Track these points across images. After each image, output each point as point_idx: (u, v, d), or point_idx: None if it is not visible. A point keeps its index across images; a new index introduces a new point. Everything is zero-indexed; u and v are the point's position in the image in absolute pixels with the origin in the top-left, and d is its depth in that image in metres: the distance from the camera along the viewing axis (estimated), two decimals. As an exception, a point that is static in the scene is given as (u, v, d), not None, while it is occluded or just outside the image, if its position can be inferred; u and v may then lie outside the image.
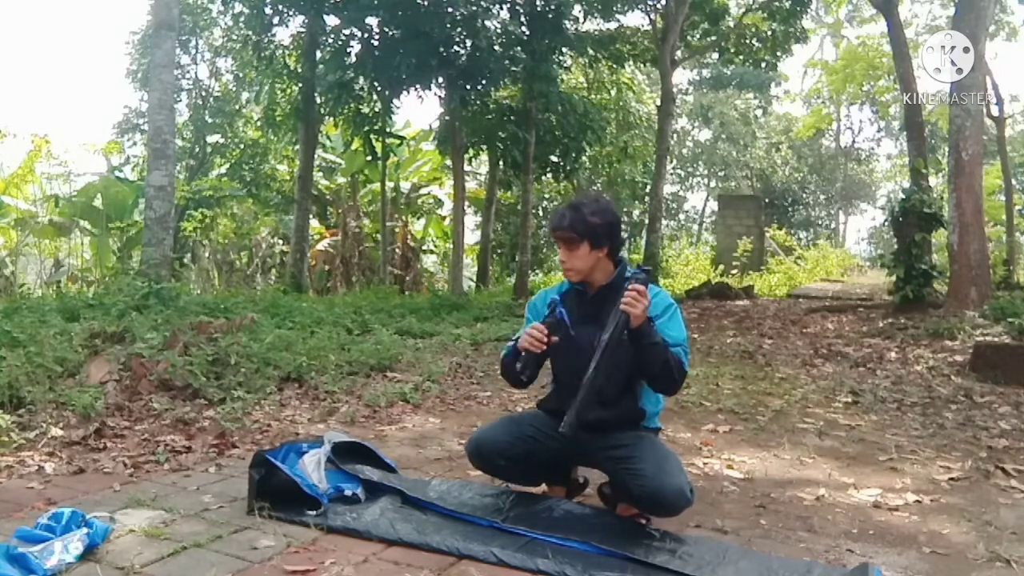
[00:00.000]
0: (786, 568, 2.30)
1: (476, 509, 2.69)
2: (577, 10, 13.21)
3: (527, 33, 12.27)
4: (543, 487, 2.95)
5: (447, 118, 13.43)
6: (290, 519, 2.55)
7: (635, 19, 24.75)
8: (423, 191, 19.55)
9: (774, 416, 4.52)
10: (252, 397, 4.37)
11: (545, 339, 2.59)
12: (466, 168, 15.30)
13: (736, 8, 15.86)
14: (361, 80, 12.77)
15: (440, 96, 13.16)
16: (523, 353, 2.63)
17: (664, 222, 18.99)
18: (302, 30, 13.32)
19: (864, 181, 31.43)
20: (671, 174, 26.35)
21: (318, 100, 13.37)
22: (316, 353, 5.28)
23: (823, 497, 3.06)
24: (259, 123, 16.37)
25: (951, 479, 3.35)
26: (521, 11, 12.40)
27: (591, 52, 14.51)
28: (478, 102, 12.75)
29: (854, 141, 31.61)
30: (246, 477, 2.69)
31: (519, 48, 12.27)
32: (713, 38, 15.49)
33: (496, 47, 11.87)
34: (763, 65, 16.22)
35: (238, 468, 3.14)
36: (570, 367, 2.64)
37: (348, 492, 2.73)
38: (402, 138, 16.10)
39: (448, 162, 15.43)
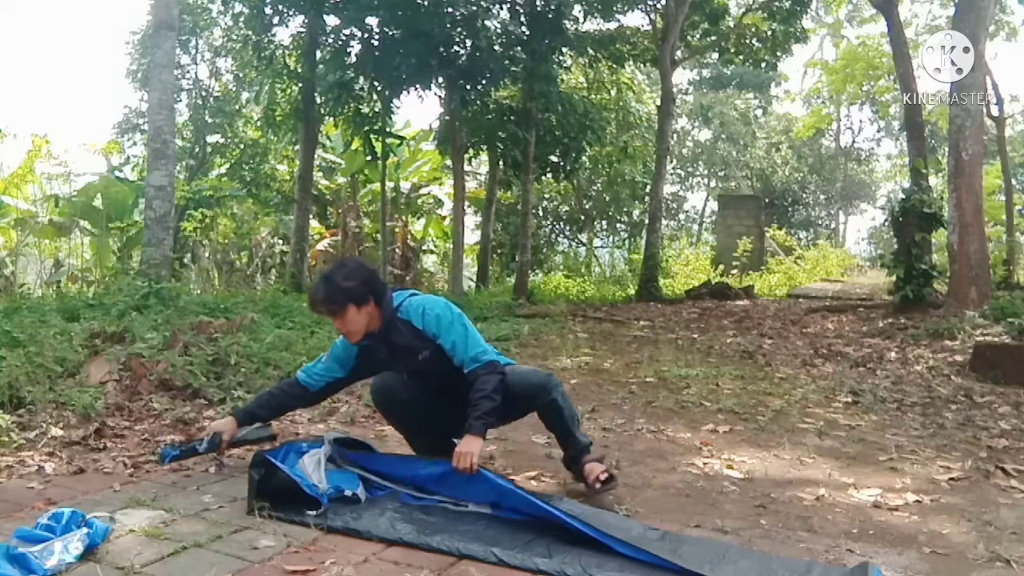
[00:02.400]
0: (786, 568, 2.30)
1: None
2: (577, 10, 13.21)
3: (527, 33, 12.27)
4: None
5: (447, 118, 13.43)
6: (290, 519, 2.55)
7: (635, 19, 24.76)
8: (423, 191, 19.55)
9: (774, 416, 4.52)
10: (252, 397, 4.36)
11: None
12: (466, 168, 15.30)
13: (736, 8, 15.86)
14: (361, 80, 12.76)
15: (440, 96, 13.17)
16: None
17: (664, 222, 18.98)
18: (302, 30, 13.32)
19: (864, 181, 31.43)
20: (671, 174, 26.34)
21: (318, 100, 13.36)
22: (316, 353, 5.26)
23: (823, 497, 3.06)
24: (259, 123, 16.36)
25: (951, 479, 3.35)
26: (521, 11, 12.39)
27: (591, 52, 14.52)
28: (478, 102, 12.75)
29: (854, 141, 31.62)
30: (246, 477, 2.69)
31: (519, 48, 12.27)
32: (713, 38, 15.48)
33: (496, 47, 11.88)
34: (763, 65, 16.21)
35: (238, 468, 3.14)
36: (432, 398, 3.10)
37: (348, 492, 2.73)
38: (402, 138, 16.10)
39: (448, 162, 15.44)
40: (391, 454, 3.18)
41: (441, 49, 11.65)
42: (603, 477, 2.95)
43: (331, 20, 12.93)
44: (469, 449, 2.76)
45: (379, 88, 12.74)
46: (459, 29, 11.71)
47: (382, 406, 3.17)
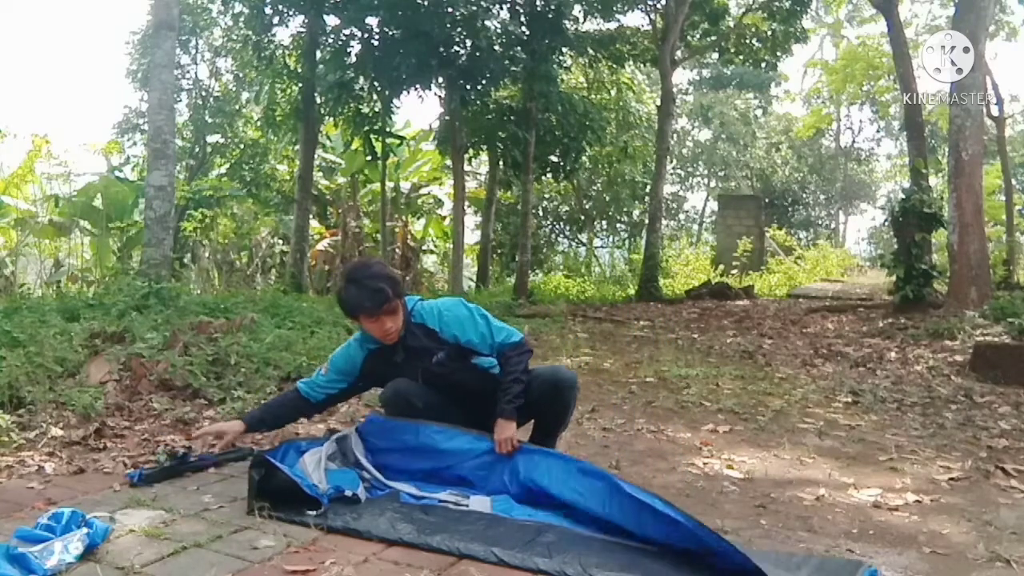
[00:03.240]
0: (778, 560, 2.30)
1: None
2: (577, 10, 13.21)
3: (527, 33, 12.27)
4: None
5: (447, 118, 13.43)
6: (290, 519, 2.55)
7: (635, 19, 24.77)
8: (423, 191, 19.55)
9: (774, 416, 4.52)
10: (252, 397, 4.36)
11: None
12: (466, 168, 15.30)
13: (736, 8, 15.86)
14: (361, 80, 12.77)
15: (440, 96, 13.17)
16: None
17: (664, 222, 18.98)
18: (302, 30, 13.32)
19: (864, 181, 31.42)
20: (671, 174, 26.34)
21: (318, 100, 13.36)
22: (316, 353, 5.27)
23: (823, 497, 3.06)
24: (259, 123, 16.36)
25: (951, 479, 3.35)
26: (521, 11, 12.39)
27: (591, 52, 14.52)
28: (478, 102, 12.75)
29: (854, 141, 31.62)
30: (246, 477, 2.69)
31: (519, 48, 12.27)
32: (713, 38, 15.48)
33: (496, 47, 11.88)
34: (763, 65, 16.22)
35: (238, 468, 3.14)
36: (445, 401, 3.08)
37: (348, 492, 2.73)
38: (402, 138, 16.10)
39: (448, 162, 15.44)
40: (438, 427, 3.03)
41: (441, 49, 11.65)
42: None
43: (331, 20, 12.94)
44: (506, 434, 2.84)
45: (379, 88, 12.75)
46: (459, 29, 11.71)
47: (394, 412, 3.09)
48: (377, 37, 12.15)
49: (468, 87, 12.29)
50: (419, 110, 78.58)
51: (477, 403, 3.02)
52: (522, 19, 12.37)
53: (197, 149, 16.99)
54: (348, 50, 12.61)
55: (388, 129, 14.10)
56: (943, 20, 20.71)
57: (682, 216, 30.11)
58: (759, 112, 29.32)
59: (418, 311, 3.05)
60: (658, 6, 14.45)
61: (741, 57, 15.94)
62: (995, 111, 15.09)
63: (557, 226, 22.89)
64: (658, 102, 15.20)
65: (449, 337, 3.00)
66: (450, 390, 3.06)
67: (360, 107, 13.27)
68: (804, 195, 29.59)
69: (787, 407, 4.79)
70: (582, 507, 2.61)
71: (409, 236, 18.67)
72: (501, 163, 14.36)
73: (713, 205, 26.77)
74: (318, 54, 13.29)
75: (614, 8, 14.01)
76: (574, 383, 3.07)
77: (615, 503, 2.53)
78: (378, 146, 13.55)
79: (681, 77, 26.71)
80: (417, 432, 2.96)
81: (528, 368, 2.97)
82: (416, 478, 2.94)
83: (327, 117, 14.32)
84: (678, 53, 14.83)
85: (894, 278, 9.71)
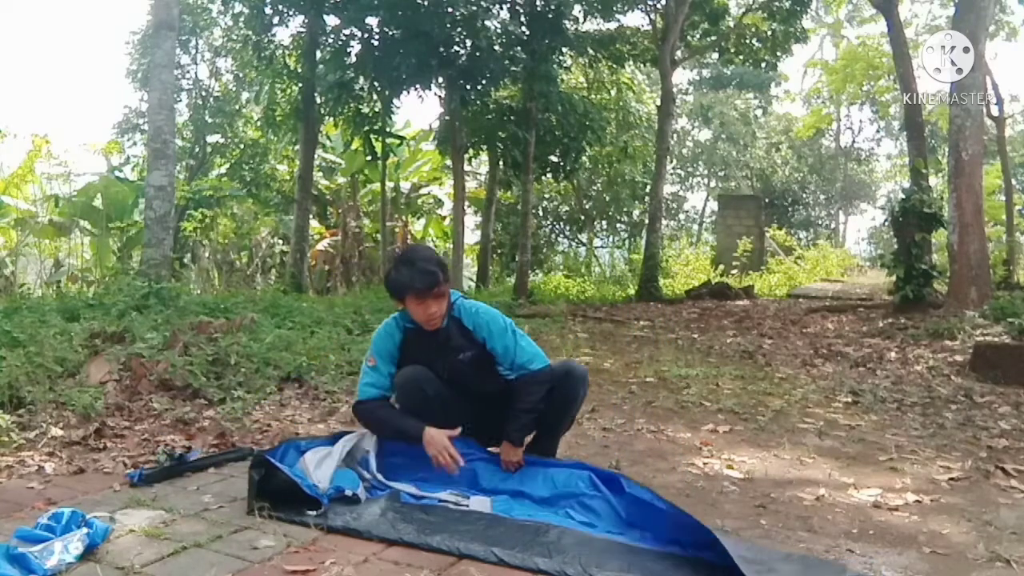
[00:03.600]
0: (779, 557, 2.31)
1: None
2: (577, 10, 13.21)
3: (527, 33, 12.27)
4: None
5: (447, 118, 13.44)
6: (290, 519, 2.55)
7: (635, 19, 24.79)
8: (423, 191, 19.56)
9: (774, 416, 4.52)
10: (252, 397, 4.37)
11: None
12: (466, 168, 15.30)
13: (736, 8, 15.86)
14: (361, 80, 12.77)
15: (440, 96, 13.17)
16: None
17: (664, 222, 18.98)
18: (302, 30, 13.32)
19: (864, 181, 31.42)
20: (671, 174, 26.34)
21: (318, 100, 13.36)
22: (316, 353, 5.28)
23: (823, 497, 3.06)
24: (259, 123, 16.37)
25: (951, 479, 3.35)
26: (521, 11, 12.40)
27: (591, 52, 14.52)
28: (478, 102, 12.75)
29: (854, 141, 31.62)
30: (246, 477, 2.69)
31: (519, 48, 12.27)
32: (713, 38, 15.48)
33: (496, 47, 11.88)
34: (763, 65, 16.21)
35: (238, 468, 3.14)
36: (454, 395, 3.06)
37: (348, 492, 2.73)
38: (402, 138, 16.10)
39: (448, 162, 15.44)
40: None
41: (441, 49, 11.65)
42: None
43: (331, 20, 12.94)
44: (513, 458, 2.94)
45: (379, 88, 12.75)
46: (459, 29, 11.71)
47: (404, 397, 3.07)
48: (377, 37, 12.15)
49: (468, 87, 12.29)
50: (419, 110, 78.58)
51: (488, 407, 3.04)
52: (522, 19, 12.38)
53: (197, 149, 16.99)
54: (348, 50, 12.61)
55: (388, 129, 14.10)
56: (943, 20, 20.71)
57: (682, 216, 30.12)
58: (759, 112, 29.31)
59: (458, 306, 3.07)
60: (658, 6, 14.44)
61: (741, 57, 15.94)
62: (995, 111, 15.08)
63: (557, 226, 22.89)
64: (658, 102, 15.19)
65: (479, 338, 3.02)
66: (467, 388, 3.07)
67: (360, 107, 13.27)
68: (804, 195, 29.59)
69: (787, 407, 4.79)
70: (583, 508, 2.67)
71: (409, 236, 18.67)
72: (501, 163, 14.36)
73: (713, 205, 26.79)
74: (318, 54, 13.29)
75: (614, 8, 14.00)
76: (584, 376, 3.08)
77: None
78: (378, 146, 13.55)
79: (681, 77, 26.74)
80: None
81: (543, 399, 2.97)
82: (418, 480, 2.94)
83: (327, 117, 14.32)
84: (678, 53, 14.83)
85: (894, 278, 9.71)
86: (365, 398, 3.05)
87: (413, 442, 2.90)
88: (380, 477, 2.92)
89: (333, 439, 3.06)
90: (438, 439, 2.85)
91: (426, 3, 11.31)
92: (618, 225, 23.40)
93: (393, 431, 3.00)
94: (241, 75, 17.04)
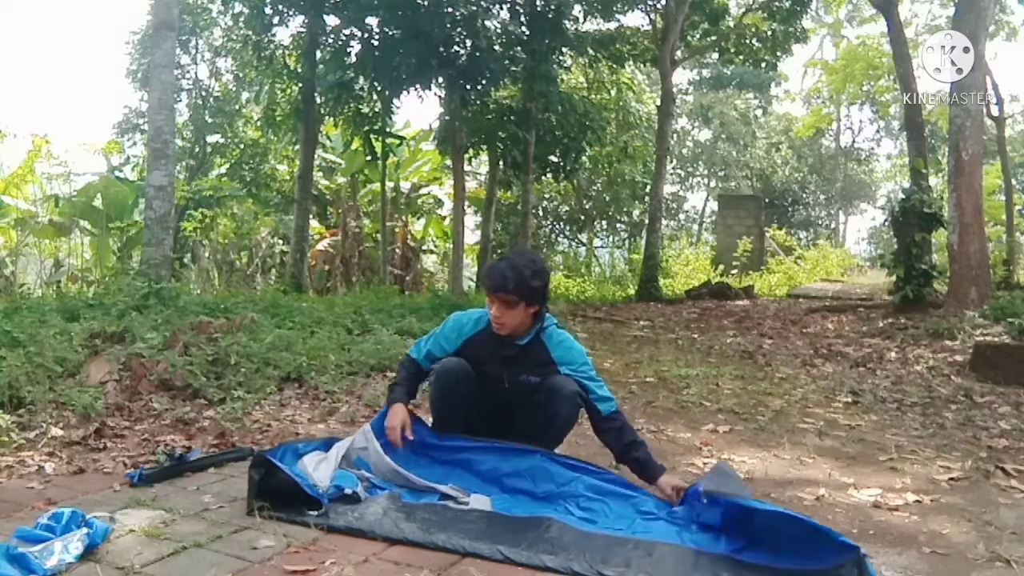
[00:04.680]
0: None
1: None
2: (577, 10, 13.21)
3: (527, 33, 12.27)
4: None
5: (447, 118, 13.43)
6: (291, 519, 2.55)
7: (635, 19, 24.75)
8: (423, 191, 19.55)
9: (774, 416, 4.52)
10: (252, 397, 4.37)
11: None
12: (466, 168, 15.29)
13: (736, 8, 15.86)
14: (361, 80, 12.76)
15: (440, 96, 13.16)
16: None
17: (664, 222, 18.98)
18: (302, 30, 13.31)
19: (864, 181, 31.42)
20: (671, 174, 26.34)
21: (318, 100, 13.36)
22: (316, 353, 5.28)
23: (823, 497, 3.06)
24: (259, 123, 16.36)
25: (951, 479, 3.35)
26: (521, 11, 12.39)
27: (591, 52, 14.51)
28: (478, 102, 12.75)
29: (854, 141, 31.63)
30: (246, 477, 2.69)
31: (519, 48, 12.27)
32: (713, 38, 15.48)
33: (496, 47, 11.87)
34: (763, 65, 16.22)
35: (238, 468, 3.14)
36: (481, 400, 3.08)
37: (348, 490, 2.73)
38: (402, 138, 16.10)
39: (448, 162, 15.43)
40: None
41: (441, 49, 11.65)
42: None
43: (331, 20, 12.93)
44: (674, 483, 2.86)
45: (379, 88, 12.74)
46: (459, 29, 11.70)
47: (437, 384, 3.10)
48: (377, 37, 12.15)
49: (468, 87, 12.28)
50: (419, 110, 78.62)
51: (506, 427, 3.05)
52: (522, 19, 12.37)
53: (197, 149, 16.98)
54: (348, 50, 12.61)
55: (388, 129, 14.09)
56: (943, 20, 20.71)
57: (682, 216, 30.12)
58: (759, 112, 29.31)
59: (549, 332, 3.08)
60: (658, 6, 14.45)
61: (741, 57, 15.95)
62: (995, 111, 15.09)
63: (557, 226, 22.89)
64: (658, 102, 15.20)
65: (560, 364, 3.02)
66: (506, 408, 3.07)
67: (360, 107, 13.27)
68: (804, 195, 29.59)
69: (787, 407, 4.79)
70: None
71: (409, 236, 18.67)
72: (501, 163, 14.35)
73: (713, 205, 26.79)
74: (318, 54, 13.29)
75: (614, 8, 14.01)
76: (573, 396, 3.00)
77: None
78: (378, 146, 13.55)
79: (681, 77, 26.74)
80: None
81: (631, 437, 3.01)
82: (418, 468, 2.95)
83: (327, 117, 14.32)
84: (678, 53, 14.83)
85: (894, 278, 9.72)
86: (410, 353, 3.22)
87: (386, 404, 3.08)
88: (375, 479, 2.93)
89: (327, 443, 3.07)
90: (399, 416, 2.95)
91: (426, 3, 11.31)
92: (618, 225, 23.41)
93: (391, 387, 3.16)
94: (241, 75, 17.04)
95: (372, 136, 13.43)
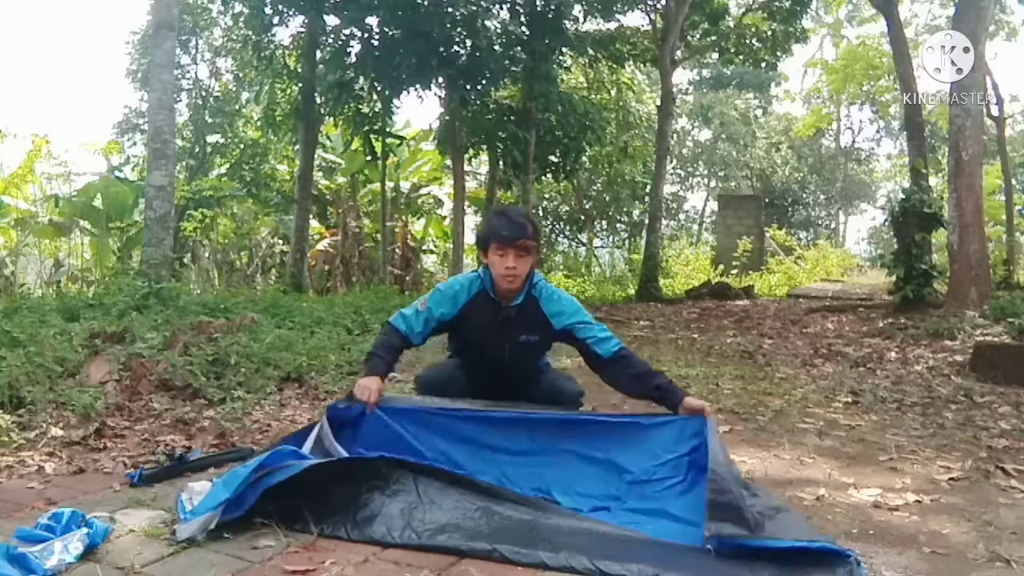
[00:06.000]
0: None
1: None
2: (577, 10, 13.22)
3: (527, 33, 12.27)
4: None
5: (447, 118, 13.44)
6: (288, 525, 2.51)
7: (635, 19, 24.76)
8: (423, 191, 19.55)
9: (774, 416, 4.52)
10: (252, 397, 4.37)
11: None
12: (466, 168, 15.30)
13: (736, 8, 15.87)
14: (361, 80, 12.77)
15: (440, 96, 13.18)
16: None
17: (664, 222, 19.02)
18: (302, 30, 13.32)
19: (864, 181, 31.44)
20: (671, 174, 26.37)
21: (318, 100, 13.37)
22: (316, 353, 5.28)
23: (823, 497, 3.05)
24: (259, 123, 16.37)
25: (951, 479, 3.35)
26: (521, 11, 12.40)
27: (591, 52, 14.53)
28: (478, 102, 12.76)
29: (854, 141, 31.66)
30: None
31: (519, 48, 12.28)
32: (713, 38, 15.49)
33: (496, 47, 11.88)
34: (763, 65, 16.23)
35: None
36: (477, 366, 3.09)
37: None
38: (402, 138, 16.10)
39: (448, 162, 15.44)
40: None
41: (441, 49, 11.66)
42: None
43: (331, 20, 12.94)
44: (696, 404, 2.80)
45: (379, 88, 12.75)
46: (459, 29, 11.71)
47: (423, 393, 3.12)
48: (377, 37, 12.16)
49: (468, 87, 12.29)
50: (419, 110, 78.60)
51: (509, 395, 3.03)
52: (522, 19, 12.38)
53: (197, 149, 16.98)
54: (348, 50, 12.62)
55: (388, 129, 14.10)
56: (943, 20, 20.72)
57: (682, 216, 30.16)
58: (759, 112, 29.33)
59: (540, 287, 3.04)
60: (658, 6, 14.45)
61: (741, 57, 15.96)
62: (995, 111, 15.08)
63: (557, 226, 22.89)
64: (658, 102, 15.20)
65: (550, 316, 2.98)
66: (507, 376, 3.06)
67: (360, 107, 13.28)
68: (804, 195, 29.61)
69: (787, 407, 4.79)
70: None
71: (409, 236, 18.67)
72: (501, 163, 14.36)
73: (713, 205, 26.80)
74: (318, 54, 13.29)
75: (614, 8, 14.01)
76: (576, 397, 3.04)
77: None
78: (378, 146, 13.56)
79: (681, 77, 26.76)
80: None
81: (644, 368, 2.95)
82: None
83: (327, 117, 14.32)
84: (678, 53, 14.84)
85: (894, 278, 9.72)
86: (391, 322, 3.08)
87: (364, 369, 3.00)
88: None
89: (302, 434, 2.94)
90: (371, 385, 2.88)
91: (426, 3, 11.32)
92: (618, 225, 23.42)
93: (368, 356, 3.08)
94: (241, 75, 17.04)
95: (372, 136, 13.43)
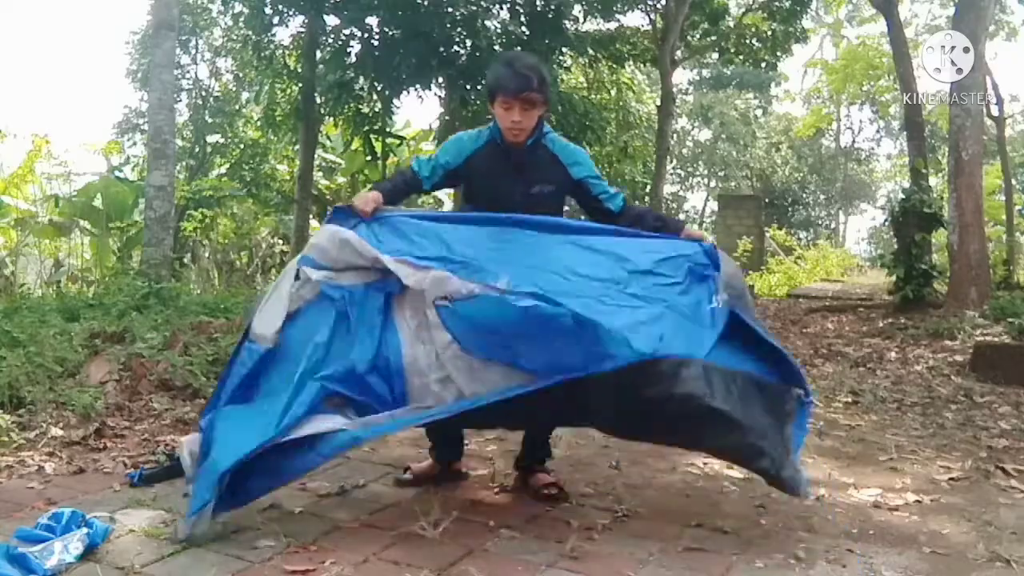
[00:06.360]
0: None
1: None
2: (577, 10, 13.20)
3: (527, 33, 12.26)
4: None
5: (447, 118, 13.43)
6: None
7: (635, 19, 24.71)
8: (423, 191, 19.53)
9: (774, 416, 4.51)
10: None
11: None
12: (466, 168, 15.29)
13: (736, 8, 15.86)
14: (361, 80, 12.76)
15: (440, 96, 13.16)
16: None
17: (664, 222, 18.96)
18: (302, 30, 13.31)
19: (864, 181, 31.43)
20: (671, 174, 26.36)
21: (318, 100, 13.36)
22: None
23: (823, 497, 3.06)
24: (259, 123, 16.36)
25: (951, 479, 3.35)
26: (521, 11, 12.39)
27: (591, 52, 14.50)
28: (478, 102, 12.74)
29: (854, 141, 31.65)
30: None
31: (519, 48, 12.26)
32: (713, 38, 15.49)
33: (496, 47, 11.87)
34: (763, 65, 16.22)
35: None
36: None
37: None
38: (402, 138, 16.09)
39: (448, 162, 15.42)
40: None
41: (441, 49, 11.65)
42: (553, 491, 2.92)
43: (331, 20, 12.92)
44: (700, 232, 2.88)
45: (379, 88, 12.74)
46: (459, 29, 11.70)
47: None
48: (377, 37, 12.15)
49: (468, 87, 12.28)
50: (419, 110, 78.61)
51: None
52: (522, 19, 12.37)
53: (197, 149, 16.98)
54: (348, 50, 12.61)
55: (388, 129, 14.09)
56: (943, 20, 20.71)
57: (682, 216, 30.11)
58: (759, 112, 29.33)
59: (550, 137, 2.95)
60: (658, 6, 14.44)
61: (741, 57, 15.95)
62: (995, 111, 15.06)
63: (557, 226, 22.86)
64: (658, 102, 15.20)
65: (566, 169, 2.89)
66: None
67: (360, 107, 13.27)
68: (804, 195, 29.60)
69: (787, 407, 4.78)
70: None
71: (409, 236, 18.64)
72: (501, 163, 14.35)
73: (713, 205, 26.80)
74: (318, 54, 13.28)
75: (614, 8, 14.00)
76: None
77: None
78: (378, 146, 13.55)
79: (681, 77, 26.73)
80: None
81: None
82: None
83: (327, 117, 14.31)
84: (678, 53, 14.84)
85: (894, 278, 9.71)
86: (412, 164, 3.00)
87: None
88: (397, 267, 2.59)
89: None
90: (370, 196, 2.81)
91: (426, 3, 11.31)
92: (618, 225, 23.38)
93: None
94: (241, 75, 17.04)
95: (372, 136, 13.42)
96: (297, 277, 2.63)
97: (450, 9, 11.27)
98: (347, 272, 2.61)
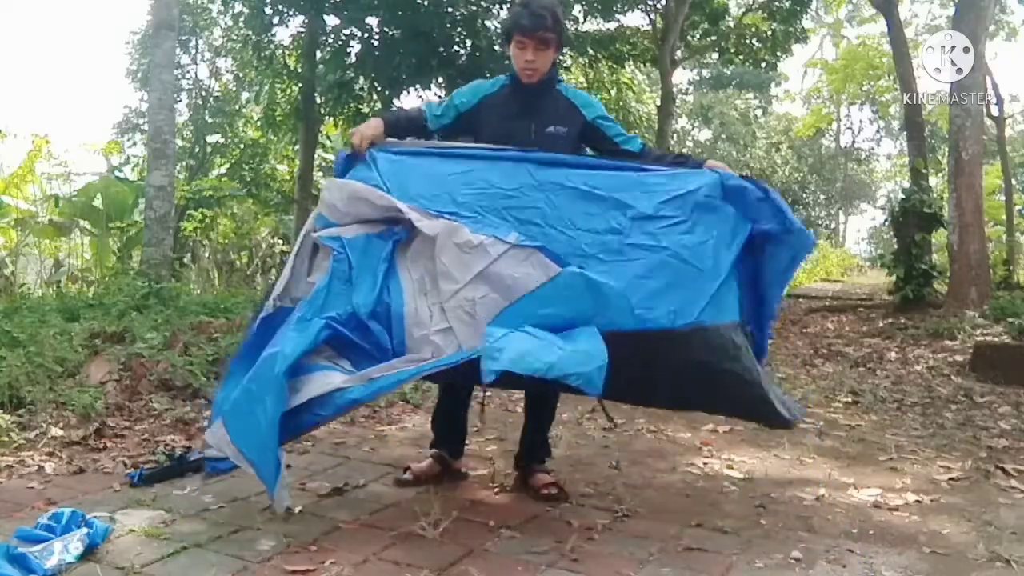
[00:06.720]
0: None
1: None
2: (577, 10, 13.20)
3: (527, 33, 12.26)
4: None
5: (447, 118, 13.44)
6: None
7: (635, 19, 24.73)
8: (423, 191, 19.52)
9: (774, 416, 4.51)
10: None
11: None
12: (466, 168, 15.28)
13: (736, 8, 15.86)
14: (361, 80, 12.77)
15: (440, 96, 13.16)
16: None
17: (664, 222, 18.94)
18: (302, 30, 13.31)
19: (864, 181, 31.45)
20: (671, 174, 26.28)
21: (318, 100, 13.37)
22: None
23: (823, 497, 3.06)
24: (259, 123, 16.37)
25: (951, 479, 3.35)
26: (521, 11, 12.39)
27: (591, 52, 14.51)
28: (478, 102, 12.76)
29: (854, 141, 31.66)
30: (246, 477, 2.68)
31: (519, 48, 12.28)
32: (713, 38, 15.48)
33: (496, 47, 11.87)
34: (763, 65, 16.20)
35: (238, 468, 3.14)
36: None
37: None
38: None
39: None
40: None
41: (441, 49, 11.65)
42: (553, 491, 2.93)
43: (331, 20, 12.93)
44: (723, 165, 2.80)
45: (379, 88, 12.74)
46: (459, 29, 11.71)
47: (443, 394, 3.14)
48: (377, 37, 12.15)
49: (468, 87, 12.30)
50: (419, 110, 78.38)
51: None
52: (522, 19, 12.37)
53: (197, 149, 16.99)
54: (348, 50, 12.61)
55: (388, 129, 14.07)
56: (943, 20, 20.72)
57: (682, 216, 30.10)
58: (759, 112, 29.32)
59: (565, 85, 3.01)
60: (658, 6, 14.44)
61: (741, 57, 15.92)
62: (995, 111, 15.06)
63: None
64: (658, 102, 15.19)
65: (580, 112, 2.90)
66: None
67: (360, 107, 13.27)
68: (804, 195, 29.61)
69: (787, 407, 4.78)
70: None
71: (409, 236, 18.64)
72: (501, 163, 14.34)
73: (713, 205, 26.74)
74: (318, 54, 13.29)
75: (614, 8, 13.99)
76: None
77: None
78: (378, 146, 13.54)
79: (681, 77, 26.71)
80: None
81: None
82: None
83: (327, 117, 14.32)
84: (678, 53, 14.82)
85: (894, 278, 9.72)
86: (422, 108, 3.02)
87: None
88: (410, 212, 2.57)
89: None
90: (368, 124, 2.90)
91: (426, 3, 11.31)
92: (618, 225, 23.37)
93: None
94: (241, 75, 17.04)
95: (372, 136, 13.42)
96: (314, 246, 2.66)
97: (450, 9, 11.27)
98: (351, 226, 2.62)
